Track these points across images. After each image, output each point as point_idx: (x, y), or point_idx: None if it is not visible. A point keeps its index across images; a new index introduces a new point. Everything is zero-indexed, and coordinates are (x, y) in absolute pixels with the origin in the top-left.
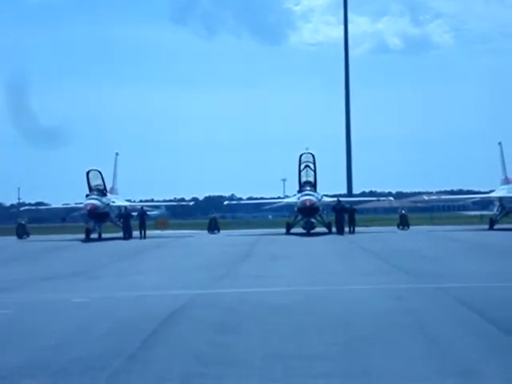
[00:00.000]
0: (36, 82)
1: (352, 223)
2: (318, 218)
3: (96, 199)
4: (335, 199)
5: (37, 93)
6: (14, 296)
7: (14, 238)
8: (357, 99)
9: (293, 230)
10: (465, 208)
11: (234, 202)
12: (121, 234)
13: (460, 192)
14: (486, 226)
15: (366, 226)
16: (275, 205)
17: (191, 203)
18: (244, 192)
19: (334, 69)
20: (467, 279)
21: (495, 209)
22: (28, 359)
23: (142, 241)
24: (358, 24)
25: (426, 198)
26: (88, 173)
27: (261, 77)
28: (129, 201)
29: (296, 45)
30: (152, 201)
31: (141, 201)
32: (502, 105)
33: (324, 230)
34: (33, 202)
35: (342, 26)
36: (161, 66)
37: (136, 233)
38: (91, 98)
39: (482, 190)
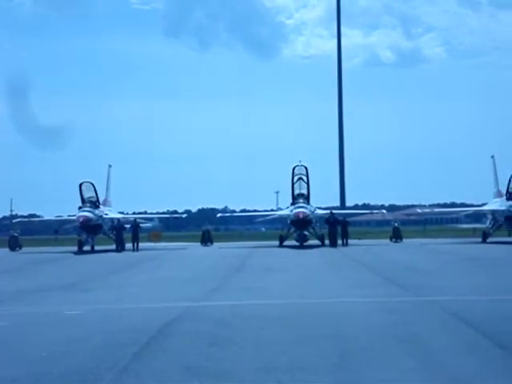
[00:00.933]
0: (27, 94)
1: (345, 236)
2: (311, 230)
3: (89, 211)
4: (328, 212)
5: (28, 104)
6: (6, 308)
7: (7, 250)
8: (350, 112)
9: (286, 243)
10: (458, 221)
11: (227, 215)
12: (114, 247)
13: (453, 205)
14: (479, 239)
15: (359, 238)
16: (268, 217)
17: (184, 215)
18: (237, 204)
19: (327, 81)
20: (460, 292)
21: (488, 222)
22: (19, 372)
23: (135, 253)
24: (350, 37)
25: (419, 210)
26: (81, 185)
27: (254, 89)
28: (122, 213)
29: (289, 57)
30: (145, 213)
31: (134, 213)
32: (494, 118)
33: (317, 242)
34: (25, 213)
35: (335, 40)
36: (153, 78)
37: (129, 245)
38: (83, 110)
39: (475, 203)
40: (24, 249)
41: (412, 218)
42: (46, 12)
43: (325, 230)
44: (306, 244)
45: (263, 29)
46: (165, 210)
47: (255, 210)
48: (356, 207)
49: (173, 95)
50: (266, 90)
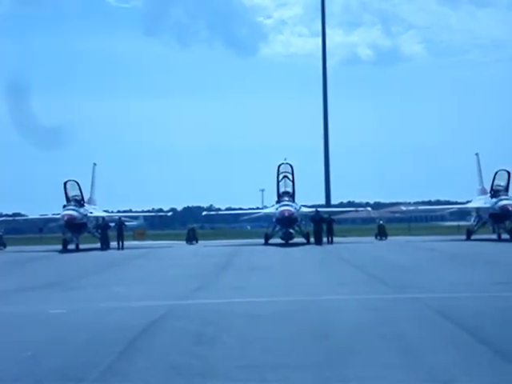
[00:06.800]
0: (9, 94)
1: (330, 233)
2: (297, 228)
3: (73, 210)
4: (313, 209)
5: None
6: None
7: None
8: (332, 110)
9: (271, 241)
10: (442, 218)
11: (213, 213)
12: (98, 245)
13: (437, 202)
14: (463, 237)
15: (344, 236)
16: (254, 215)
17: (169, 214)
18: (222, 203)
19: (310, 79)
20: (444, 290)
21: (472, 219)
22: (4, 371)
23: (120, 251)
24: (330, 35)
25: (403, 208)
26: (65, 183)
27: (237, 88)
28: (107, 211)
29: (270, 56)
30: (130, 211)
31: (119, 211)
32: (477, 116)
33: (302, 240)
34: (10, 212)
35: (315, 38)
36: (135, 77)
37: (114, 244)
38: (67, 109)
39: (459, 200)
40: (8, 247)
41: (397, 215)
42: (23, 11)
43: (310, 228)
44: (291, 242)
45: (243, 28)
46: (150, 209)
47: (240, 209)
48: (341, 205)
49: (155, 93)
50: (250, 89)
